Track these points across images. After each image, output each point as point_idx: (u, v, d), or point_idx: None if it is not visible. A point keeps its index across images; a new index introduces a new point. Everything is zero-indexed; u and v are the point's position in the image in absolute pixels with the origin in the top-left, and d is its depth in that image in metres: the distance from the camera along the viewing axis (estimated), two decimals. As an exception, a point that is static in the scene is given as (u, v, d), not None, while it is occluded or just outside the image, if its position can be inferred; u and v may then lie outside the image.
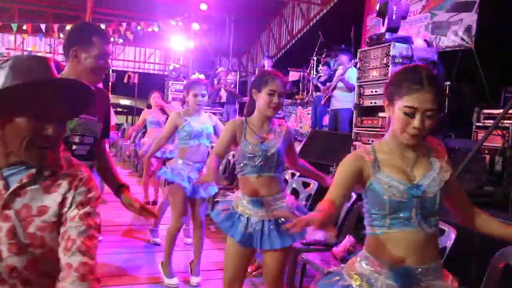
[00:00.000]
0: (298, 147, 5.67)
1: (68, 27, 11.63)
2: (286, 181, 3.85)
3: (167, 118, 4.42)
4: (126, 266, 3.72)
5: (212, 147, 4.64)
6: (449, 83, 5.59)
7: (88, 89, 1.25)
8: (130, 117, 17.63)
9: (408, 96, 1.41)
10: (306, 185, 3.73)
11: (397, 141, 1.50)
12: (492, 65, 6.23)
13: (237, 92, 10.18)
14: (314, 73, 8.64)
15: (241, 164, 2.32)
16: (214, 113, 3.90)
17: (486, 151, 4.34)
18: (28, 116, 1.12)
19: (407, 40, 4.28)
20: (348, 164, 1.51)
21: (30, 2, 13.48)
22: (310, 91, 8.55)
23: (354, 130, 4.71)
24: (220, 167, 5.72)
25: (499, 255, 2.09)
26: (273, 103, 2.28)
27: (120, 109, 17.70)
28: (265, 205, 2.28)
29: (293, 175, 4.03)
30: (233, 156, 5.45)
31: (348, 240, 3.00)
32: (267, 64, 9.40)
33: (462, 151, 3.79)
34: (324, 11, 12.16)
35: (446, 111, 5.13)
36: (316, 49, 8.96)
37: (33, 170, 1.18)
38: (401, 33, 4.60)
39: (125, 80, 14.38)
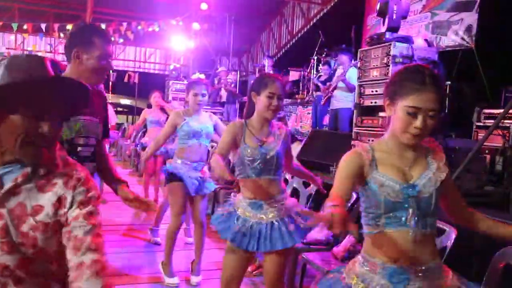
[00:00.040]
0: (298, 146, 5.67)
1: (69, 26, 11.66)
2: (286, 181, 3.85)
3: (167, 118, 4.42)
4: (126, 265, 3.72)
5: (212, 147, 4.66)
6: (449, 82, 5.59)
7: (85, 88, 1.25)
8: (130, 117, 17.63)
9: (411, 96, 1.40)
10: (306, 185, 3.72)
11: (396, 141, 1.50)
12: (492, 64, 6.23)
13: (237, 92, 10.18)
14: (315, 72, 8.63)
15: (241, 167, 2.32)
16: (214, 113, 3.89)
17: (487, 151, 4.35)
18: (23, 114, 1.12)
19: (407, 39, 4.28)
20: (349, 161, 1.50)
21: (30, 1, 13.47)
22: (311, 91, 8.54)
23: (354, 129, 4.71)
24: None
25: (499, 255, 2.09)
26: (272, 106, 2.28)
27: (121, 109, 17.70)
28: (265, 207, 2.28)
29: (293, 174, 4.03)
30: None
31: (349, 239, 3.00)
32: (267, 63, 9.40)
33: (462, 151, 3.80)
34: (325, 10, 12.15)
35: (446, 111, 5.13)
36: (316, 49, 8.94)
37: (28, 169, 1.18)
38: (401, 32, 4.59)
39: (126, 80, 14.39)
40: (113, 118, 7.91)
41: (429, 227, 1.48)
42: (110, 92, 14.14)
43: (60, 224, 1.21)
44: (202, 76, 9.47)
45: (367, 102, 4.55)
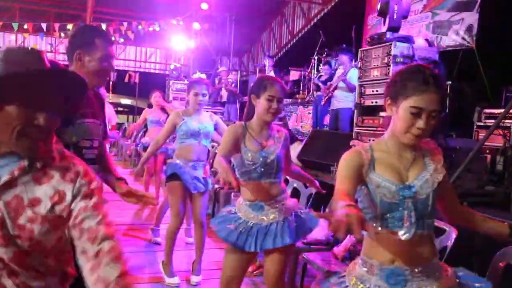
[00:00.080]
0: (299, 146, 5.67)
1: (69, 26, 11.67)
2: (287, 181, 3.85)
3: (167, 118, 4.42)
4: (127, 265, 3.72)
5: (213, 147, 4.66)
6: (450, 82, 5.58)
7: (80, 79, 1.24)
8: (131, 117, 17.63)
9: (415, 97, 1.39)
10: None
11: (396, 141, 1.49)
12: (493, 64, 6.23)
13: (238, 92, 10.18)
14: (315, 72, 8.63)
15: (241, 170, 2.32)
16: (215, 113, 3.90)
17: (487, 151, 4.34)
18: (19, 105, 1.11)
19: (408, 39, 4.28)
20: (349, 160, 1.48)
21: (31, 1, 13.48)
22: (311, 91, 8.54)
23: (355, 129, 4.70)
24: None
25: (500, 255, 2.09)
26: (272, 109, 2.28)
27: (121, 109, 17.70)
28: (265, 208, 2.28)
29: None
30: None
31: (349, 239, 3.00)
32: (268, 63, 9.39)
33: (463, 151, 3.79)
34: (325, 10, 12.14)
35: (447, 111, 5.13)
36: (317, 49, 8.94)
37: (25, 162, 1.17)
38: (402, 32, 4.59)
39: (126, 80, 14.40)
40: (114, 118, 7.93)
41: (426, 228, 1.47)
42: (110, 92, 14.14)
43: (63, 219, 1.21)
44: (203, 76, 9.47)
45: (368, 102, 4.55)
